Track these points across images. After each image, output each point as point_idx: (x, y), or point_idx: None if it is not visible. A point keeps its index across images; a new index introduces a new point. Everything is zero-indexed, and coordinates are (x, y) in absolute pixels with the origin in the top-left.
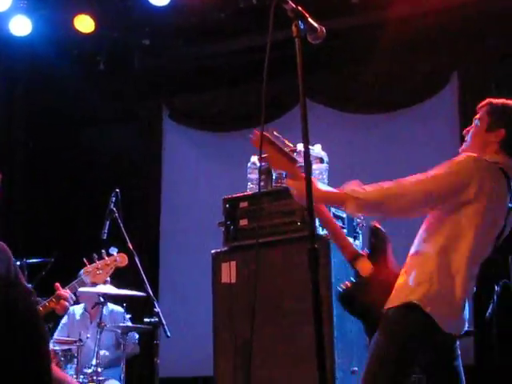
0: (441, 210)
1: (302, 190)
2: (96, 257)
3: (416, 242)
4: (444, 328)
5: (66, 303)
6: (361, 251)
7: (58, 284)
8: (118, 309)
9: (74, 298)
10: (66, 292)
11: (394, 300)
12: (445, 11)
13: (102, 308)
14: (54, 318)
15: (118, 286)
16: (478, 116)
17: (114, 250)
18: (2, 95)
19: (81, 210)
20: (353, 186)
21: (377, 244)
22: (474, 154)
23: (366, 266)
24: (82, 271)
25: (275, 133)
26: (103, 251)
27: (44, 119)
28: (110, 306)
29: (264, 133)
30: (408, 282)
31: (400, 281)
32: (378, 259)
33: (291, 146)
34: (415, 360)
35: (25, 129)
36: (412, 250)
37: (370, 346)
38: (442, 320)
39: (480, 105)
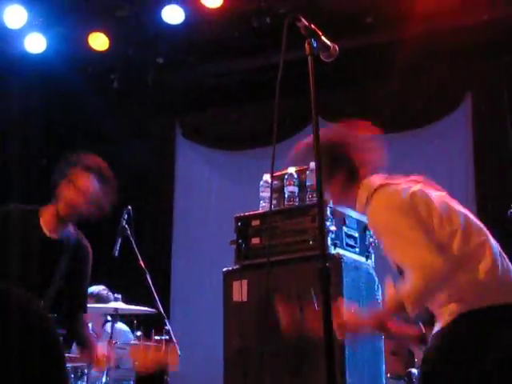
0: None
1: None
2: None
3: None
4: None
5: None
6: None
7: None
8: (124, 327)
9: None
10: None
11: None
12: (458, 30)
13: (113, 325)
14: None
15: (129, 303)
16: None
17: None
18: (16, 112)
19: (93, 227)
20: (396, 290)
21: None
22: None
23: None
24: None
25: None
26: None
27: (58, 136)
28: (117, 325)
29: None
30: None
31: None
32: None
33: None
34: None
35: (39, 146)
36: None
37: None
38: None
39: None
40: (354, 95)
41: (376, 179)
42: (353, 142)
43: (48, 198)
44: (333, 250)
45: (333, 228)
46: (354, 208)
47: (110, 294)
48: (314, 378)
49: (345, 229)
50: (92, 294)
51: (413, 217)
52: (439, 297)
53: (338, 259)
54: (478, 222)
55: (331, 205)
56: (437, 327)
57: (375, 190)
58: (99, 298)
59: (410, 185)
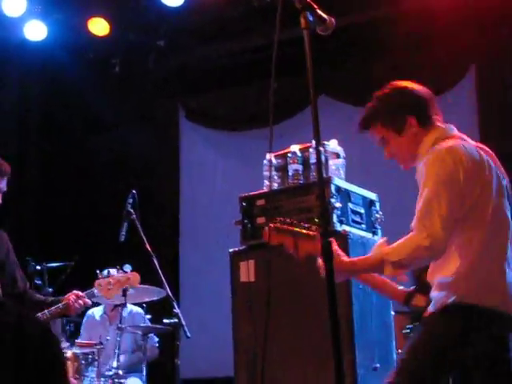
0: None
1: (337, 266)
2: (109, 271)
3: None
4: None
5: (78, 309)
6: (408, 289)
7: (76, 293)
8: (138, 310)
9: (89, 302)
10: (77, 303)
11: None
12: (460, 3)
13: (122, 310)
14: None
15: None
16: (378, 136)
17: (128, 268)
18: (17, 99)
19: (99, 212)
20: (383, 249)
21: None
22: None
23: (421, 299)
24: (95, 283)
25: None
26: (117, 267)
27: (60, 122)
28: (130, 306)
29: (271, 226)
30: None
31: None
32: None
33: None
34: None
35: (40, 132)
36: None
37: None
38: None
39: (362, 124)
40: (358, 71)
41: (451, 127)
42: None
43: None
44: (339, 227)
45: (338, 205)
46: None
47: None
48: (320, 355)
49: (350, 205)
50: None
51: (461, 188)
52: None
53: (344, 236)
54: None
55: (335, 181)
56: (432, 307)
57: (451, 136)
58: None
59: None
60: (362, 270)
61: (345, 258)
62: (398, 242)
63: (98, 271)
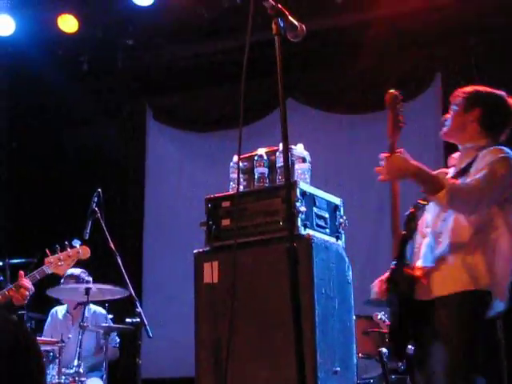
0: None
1: (389, 165)
2: (58, 248)
3: None
4: None
5: (26, 293)
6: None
7: (21, 272)
8: (101, 310)
9: (33, 289)
10: (26, 282)
11: None
12: (428, 11)
13: (84, 308)
14: (13, 308)
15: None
16: (453, 103)
17: (76, 243)
18: None
19: (64, 209)
20: (449, 179)
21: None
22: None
23: None
24: (45, 260)
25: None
26: (66, 243)
27: (27, 119)
28: (93, 307)
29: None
30: None
31: None
32: None
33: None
34: None
35: (8, 129)
36: None
37: None
38: None
39: (453, 95)
40: (325, 77)
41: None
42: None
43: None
44: (303, 231)
45: (303, 209)
46: (460, 143)
47: (90, 276)
48: (284, 358)
49: (315, 209)
50: (72, 275)
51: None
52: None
53: (308, 240)
54: None
55: (301, 186)
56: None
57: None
58: (78, 280)
59: None
60: (422, 178)
61: (413, 161)
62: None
63: (46, 250)
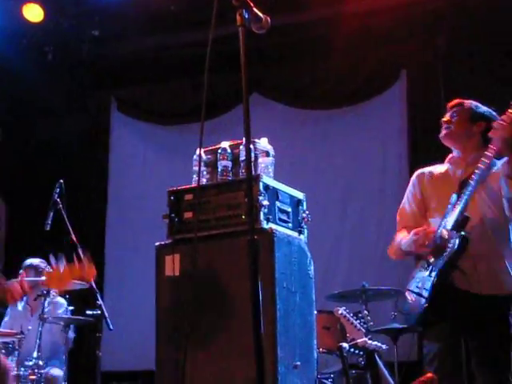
0: None
1: None
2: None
3: None
4: None
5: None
6: None
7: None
8: (60, 300)
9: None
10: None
11: None
12: (395, 9)
13: (44, 300)
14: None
15: None
16: (455, 109)
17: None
18: None
19: (25, 200)
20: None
21: None
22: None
23: None
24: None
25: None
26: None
27: None
28: (55, 298)
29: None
30: None
31: None
32: None
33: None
34: None
35: None
36: None
37: None
38: None
39: (452, 103)
40: (291, 72)
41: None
42: None
43: None
44: (265, 225)
45: (265, 202)
46: (461, 149)
47: (48, 267)
48: (243, 351)
49: (278, 204)
50: (31, 265)
51: None
52: None
53: (270, 234)
54: None
55: (264, 179)
56: None
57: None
58: (38, 270)
59: None
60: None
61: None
62: None
63: (51, 256)
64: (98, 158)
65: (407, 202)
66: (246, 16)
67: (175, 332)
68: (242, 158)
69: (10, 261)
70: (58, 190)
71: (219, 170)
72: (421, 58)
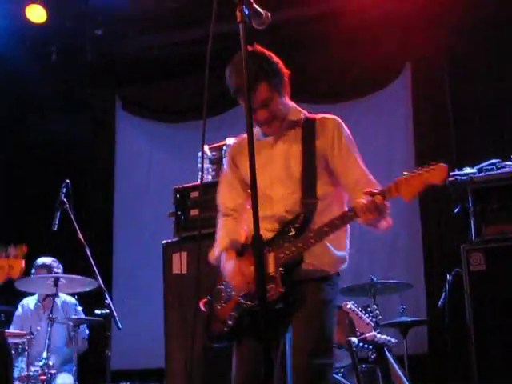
0: None
1: None
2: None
3: None
4: None
5: None
6: None
7: None
8: (71, 299)
9: None
10: None
11: None
12: (398, 1)
13: (54, 299)
14: None
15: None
16: (264, 96)
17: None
18: None
19: (33, 200)
20: None
21: None
22: None
23: None
24: None
25: None
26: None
27: None
28: (63, 296)
29: None
30: None
31: None
32: None
33: None
34: None
35: None
36: None
37: None
38: None
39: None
40: (296, 65)
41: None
42: None
43: None
44: None
45: None
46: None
47: (60, 265)
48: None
49: None
50: (44, 264)
51: None
52: None
53: None
54: None
55: None
56: None
57: None
58: (50, 269)
59: None
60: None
61: None
62: None
63: None
64: (103, 157)
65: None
66: (246, 12)
67: (183, 329)
68: None
69: None
70: (65, 189)
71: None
72: (425, 51)
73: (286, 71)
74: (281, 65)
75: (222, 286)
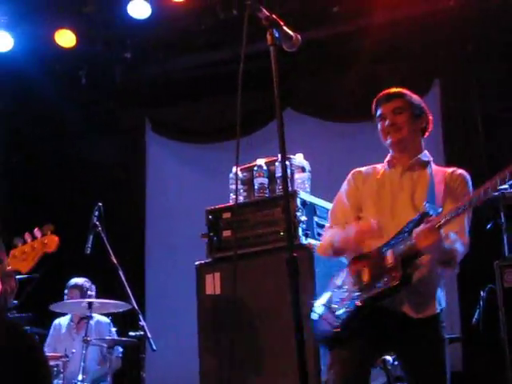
0: None
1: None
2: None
3: None
4: None
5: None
6: None
7: None
8: (105, 319)
9: None
10: None
11: None
12: (425, 17)
13: (88, 323)
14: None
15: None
16: (399, 105)
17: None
18: None
19: (65, 224)
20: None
21: None
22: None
23: None
24: (10, 253)
25: None
26: (36, 229)
27: (27, 134)
28: (96, 316)
29: None
30: None
31: None
32: None
33: None
34: None
35: (7, 144)
36: None
37: None
38: None
39: (391, 93)
40: (324, 85)
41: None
42: None
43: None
44: (304, 241)
45: (303, 218)
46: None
47: (93, 286)
48: (287, 367)
49: (316, 218)
50: (76, 285)
51: None
52: None
53: (309, 249)
54: None
55: (301, 195)
56: None
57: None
58: (82, 290)
59: None
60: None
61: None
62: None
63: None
64: (134, 180)
65: (342, 199)
66: (277, 35)
67: (218, 349)
68: (278, 174)
69: (52, 285)
70: (97, 212)
71: (255, 187)
72: (453, 67)
73: (429, 116)
74: (425, 107)
75: (336, 290)
